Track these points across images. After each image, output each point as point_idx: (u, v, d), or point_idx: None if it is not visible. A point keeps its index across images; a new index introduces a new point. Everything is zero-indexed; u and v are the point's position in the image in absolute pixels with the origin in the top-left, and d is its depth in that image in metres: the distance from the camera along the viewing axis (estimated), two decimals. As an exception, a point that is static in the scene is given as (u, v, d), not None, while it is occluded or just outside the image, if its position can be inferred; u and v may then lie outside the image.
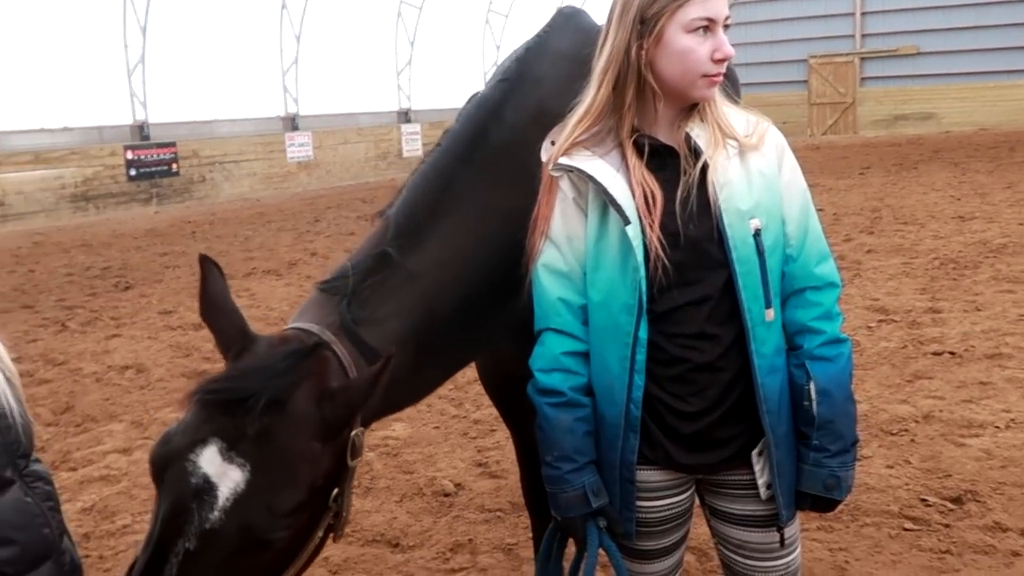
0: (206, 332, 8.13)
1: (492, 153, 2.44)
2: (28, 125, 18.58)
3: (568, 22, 2.67)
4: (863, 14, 28.73)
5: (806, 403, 2.05)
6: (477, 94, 2.67)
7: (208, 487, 1.82)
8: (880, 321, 7.25)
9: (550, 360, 2.10)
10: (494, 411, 5.18)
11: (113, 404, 6.44)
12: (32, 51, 18.24)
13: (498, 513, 4.45)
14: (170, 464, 1.88)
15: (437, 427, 5.68)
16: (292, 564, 1.96)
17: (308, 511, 1.94)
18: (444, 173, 2.45)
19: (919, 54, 27.82)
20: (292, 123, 24.27)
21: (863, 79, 28.96)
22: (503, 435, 5.28)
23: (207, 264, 2.12)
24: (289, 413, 1.90)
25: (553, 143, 2.11)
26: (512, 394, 3.22)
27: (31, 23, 18.18)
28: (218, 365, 7.18)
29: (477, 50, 29.64)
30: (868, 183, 16.14)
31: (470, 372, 6.48)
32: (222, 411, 1.88)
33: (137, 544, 1.93)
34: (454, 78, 27.33)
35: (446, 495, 4.69)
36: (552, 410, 2.09)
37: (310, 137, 24.30)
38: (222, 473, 1.83)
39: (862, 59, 28.87)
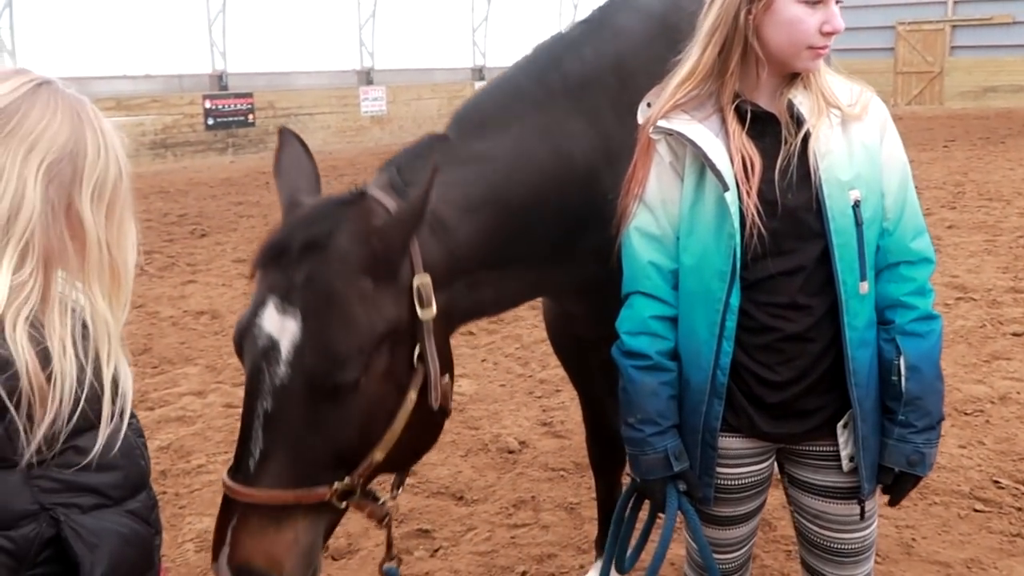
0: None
1: (565, 82, 2.37)
2: (111, 72, 18.99)
3: None
4: (956, -20, 27.69)
5: (895, 378, 2.02)
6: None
7: (272, 344, 1.85)
8: (958, 299, 7.07)
9: (638, 323, 2.09)
10: (560, 371, 5.20)
11: (188, 348, 6.63)
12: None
13: (561, 472, 4.48)
14: (244, 336, 1.91)
15: (503, 385, 5.73)
16: (388, 429, 1.94)
17: (382, 360, 1.92)
18: (515, 83, 2.39)
19: (1014, 23, 26.71)
20: (367, 77, 24.39)
21: (953, 48, 27.94)
22: (568, 395, 5.30)
23: (285, 135, 2.21)
24: (330, 252, 1.89)
25: (649, 105, 2.09)
26: (580, 356, 3.24)
27: (117, -29, 18.51)
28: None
29: (554, 9, 29.33)
30: (952, 156, 15.65)
31: (537, 332, 6.54)
32: (274, 268, 1.91)
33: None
34: (530, 36, 27.04)
35: (510, 452, 4.74)
36: (637, 373, 2.08)
37: (384, 92, 24.40)
38: (281, 327, 1.85)
39: (953, 27, 27.85)
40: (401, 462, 2.09)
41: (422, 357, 1.98)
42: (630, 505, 2.30)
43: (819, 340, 2.01)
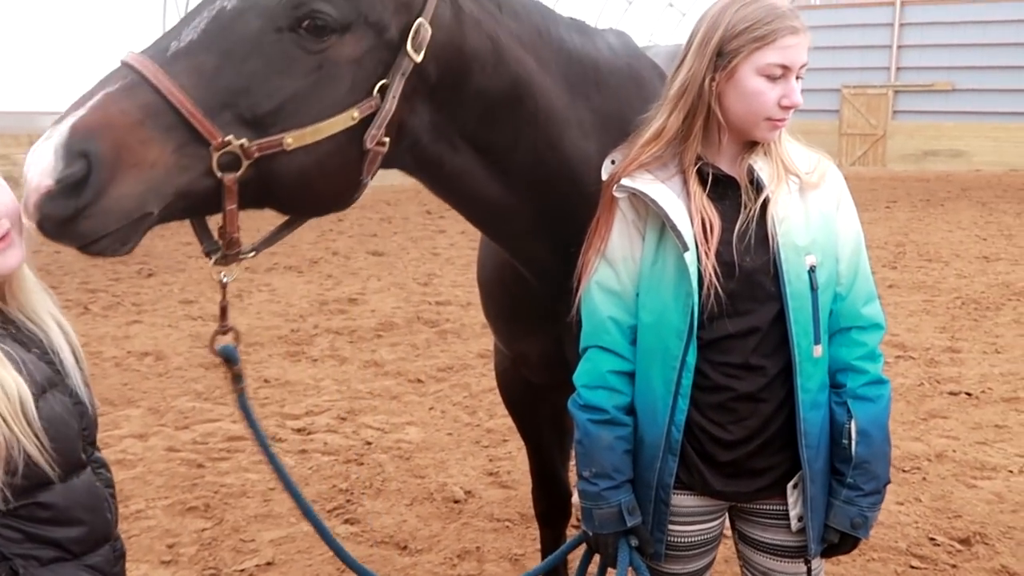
0: (227, 324, 8.24)
1: (561, 42, 2.28)
2: (57, 107, 18.77)
3: (619, 35, 2.67)
4: (899, 47, 28.66)
5: (844, 441, 2.07)
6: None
7: None
8: (898, 357, 7.23)
9: (596, 377, 2.12)
10: (507, 421, 5.22)
11: (131, 389, 6.51)
12: (66, 34, 18.45)
13: (507, 523, 4.47)
14: None
15: (450, 434, 5.71)
16: (316, 120, 1.80)
17: (353, 44, 1.83)
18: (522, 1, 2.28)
19: (954, 90, 27.70)
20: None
21: (895, 112, 28.85)
22: (515, 445, 5.30)
23: None
24: None
25: (614, 162, 2.13)
26: (529, 404, 3.25)
27: (69, 5, 18.42)
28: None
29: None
30: (894, 217, 16.08)
31: (486, 380, 6.55)
32: None
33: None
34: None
35: (456, 502, 4.71)
36: (594, 427, 2.11)
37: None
38: None
39: (896, 92, 28.77)
40: (295, 190, 1.87)
41: (383, 91, 1.88)
42: (579, 558, 2.31)
43: (771, 400, 2.05)
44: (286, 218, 2.08)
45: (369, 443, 5.51)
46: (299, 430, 5.75)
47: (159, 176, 1.67)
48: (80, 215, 1.60)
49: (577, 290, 2.17)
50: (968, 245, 12.76)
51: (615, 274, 2.09)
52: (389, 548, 4.22)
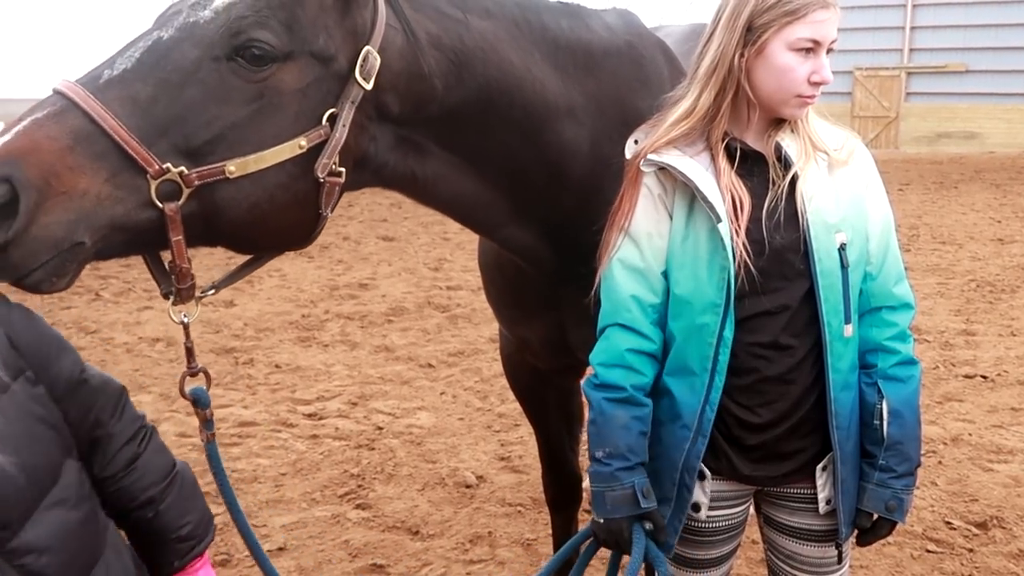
0: (237, 310, 8.22)
1: (544, 30, 2.24)
2: (38, 94, 18.81)
3: (622, 15, 2.62)
4: (912, 29, 28.40)
5: (876, 422, 2.04)
6: None
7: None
8: (912, 340, 7.15)
9: (614, 356, 2.06)
10: (518, 406, 5.20)
11: (143, 375, 6.52)
12: (73, 22, 18.44)
13: (519, 508, 4.45)
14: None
15: (461, 418, 5.70)
16: (259, 148, 1.77)
17: (297, 72, 1.80)
18: None
19: (967, 72, 27.45)
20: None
21: (908, 94, 28.62)
22: (526, 430, 5.28)
23: None
24: None
25: (637, 142, 2.09)
26: (536, 389, 3.23)
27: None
28: (246, 343, 7.20)
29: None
30: (907, 200, 15.95)
31: (497, 365, 6.52)
32: None
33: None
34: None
35: (467, 486, 4.70)
36: (609, 405, 2.05)
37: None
38: None
39: (908, 74, 28.53)
40: (247, 223, 1.82)
41: (333, 120, 1.85)
42: (583, 548, 2.24)
43: (800, 382, 2.01)
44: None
45: (380, 428, 5.51)
46: (310, 415, 5.74)
47: (90, 205, 1.61)
48: (9, 244, 1.55)
49: (597, 270, 2.12)
50: (982, 227, 12.65)
51: (639, 251, 2.04)
52: (401, 533, 4.21)
